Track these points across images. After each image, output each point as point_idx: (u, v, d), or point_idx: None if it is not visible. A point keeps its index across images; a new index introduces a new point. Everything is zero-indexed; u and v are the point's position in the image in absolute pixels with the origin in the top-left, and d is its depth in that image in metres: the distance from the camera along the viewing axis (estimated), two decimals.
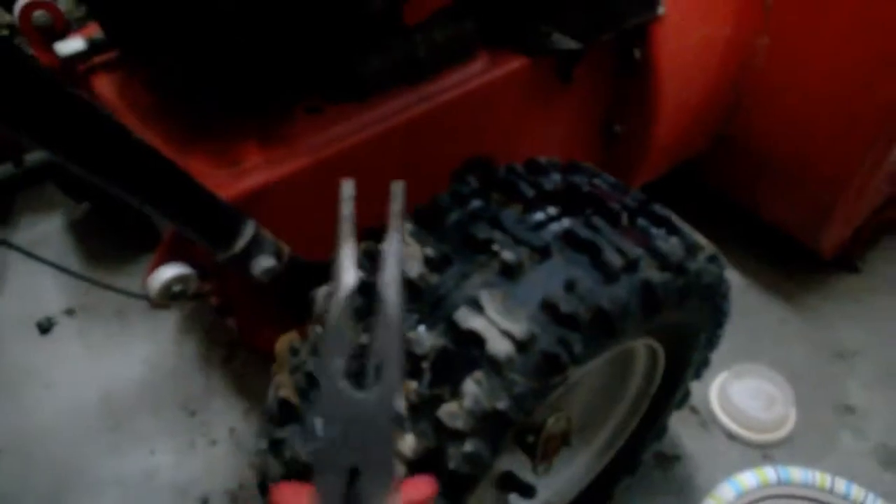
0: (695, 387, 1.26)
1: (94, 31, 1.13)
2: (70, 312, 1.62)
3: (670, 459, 1.38)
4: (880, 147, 1.32)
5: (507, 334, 0.73)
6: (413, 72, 1.06)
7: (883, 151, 1.33)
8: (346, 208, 0.34)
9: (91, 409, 1.44)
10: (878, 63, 1.27)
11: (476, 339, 0.74)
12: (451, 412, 0.72)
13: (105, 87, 1.06)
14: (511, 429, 0.76)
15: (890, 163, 1.39)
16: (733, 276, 1.68)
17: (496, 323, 0.74)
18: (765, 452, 1.42)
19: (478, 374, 0.73)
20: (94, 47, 1.07)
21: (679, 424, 1.44)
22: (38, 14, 1.08)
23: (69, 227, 1.79)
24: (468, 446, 0.73)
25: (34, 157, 0.99)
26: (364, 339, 0.80)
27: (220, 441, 1.41)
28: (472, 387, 0.72)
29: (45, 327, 1.58)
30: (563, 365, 0.74)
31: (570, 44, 1.13)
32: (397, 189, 0.35)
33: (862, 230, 1.64)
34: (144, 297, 1.01)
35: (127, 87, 1.06)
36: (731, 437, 1.44)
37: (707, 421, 1.46)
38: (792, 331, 1.62)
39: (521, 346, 0.73)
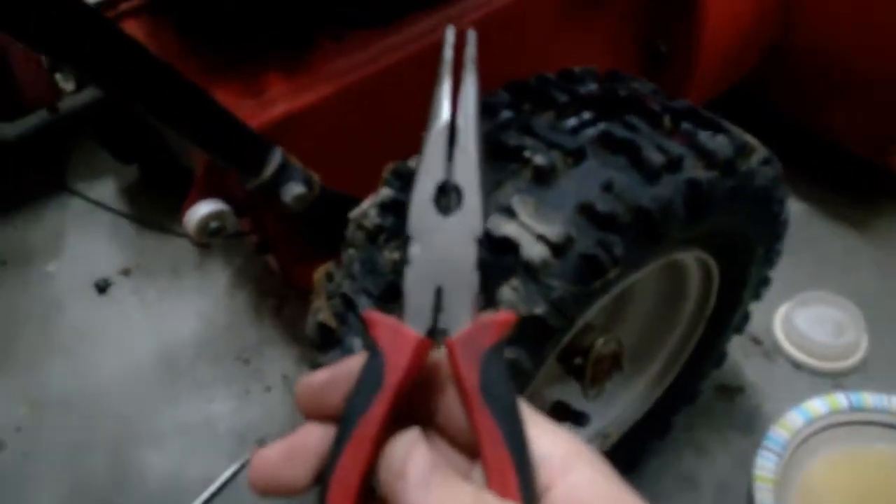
0: (758, 316, 1.20)
1: None
2: (126, 272, 1.66)
3: (734, 391, 1.33)
4: None
5: (541, 238, 0.70)
6: None
7: None
8: (447, 52, 0.35)
9: (150, 363, 1.48)
10: None
11: (510, 246, 0.71)
12: None
13: (133, 31, 1.06)
14: (552, 337, 0.73)
15: None
16: (796, 204, 1.61)
17: (529, 227, 0.71)
18: (835, 381, 1.35)
19: (514, 280, 0.70)
20: None
21: (741, 356, 1.38)
22: None
23: (121, 192, 1.83)
24: (507, 354, 0.70)
25: (67, 103, 0.99)
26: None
27: (275, 387, 1.42)
28: (508, 294, 0.70)
29: (102, 287, 1.62)
30: (603, 268, 0.70)
31: None
32: (472, 36, 0.35)
33: None
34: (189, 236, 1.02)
35: (154, 32, 1.06)
36: (798, 366, 1.37)
37: (771, 351, 1.39)
38: (860, 258, 1.53)
39: (557, 249, 0.70)
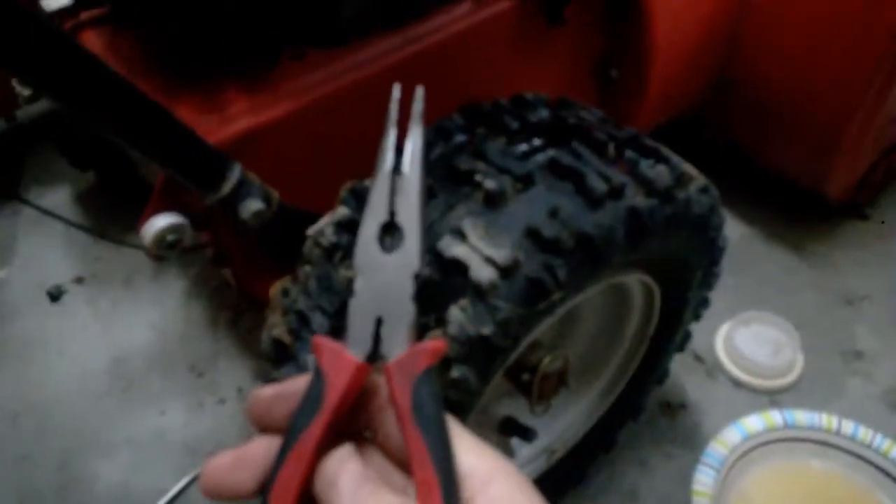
0: (700, 335, 1.26)
1: None
2: (79, 280, 1.64)
3: (676, 408, 1.38)
4: (882, 81, 1.29)
5: (489, 260, 0.73)
6: (396, 14, 1.06)
7: (886, 85, 1.30)
8: (393, 108, 0.39)
9: (102, 373, 1.47)
10: (875, 6, 1.24)
11: (459, 267, 0.74)
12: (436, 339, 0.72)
13: (92, 42, 1.07)
14: (499, 356, 0.76)
15: (891, 103, 1.36)
16: (737, 226, 1.68)
17: (479, 250, 0.74)
18: (772, 399, 1.41)
19: (462, 301, 0.73)
20: (80, 3, 1.08)
21: (684, 373, 1.43)
22: None
23: (76, 199, 1.81)
24: (455, 372, 0.73)
25: (25, 112, 1.00)
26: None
27: (228, 400, 1.43)
28: (456, 313, 0.72)
29: (55, 295, 1.60)
30: (547, 290, 0.74)
31: None
32: (419, 93, 0.40)
33: (869, 174, 1.61)
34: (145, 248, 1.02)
35: (114, 43, 1.07)
36: (738, 384, 1.43)
37: (713, 369, 1.45)
38: (798, 278, 1.61)
39: (505, 271, 0.73)
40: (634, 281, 0.99)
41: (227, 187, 0.87)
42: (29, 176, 1.85)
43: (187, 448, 1.35)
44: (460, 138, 0.87)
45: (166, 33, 1.01)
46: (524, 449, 1.13)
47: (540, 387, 0.98)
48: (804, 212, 1.70)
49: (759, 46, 1.43)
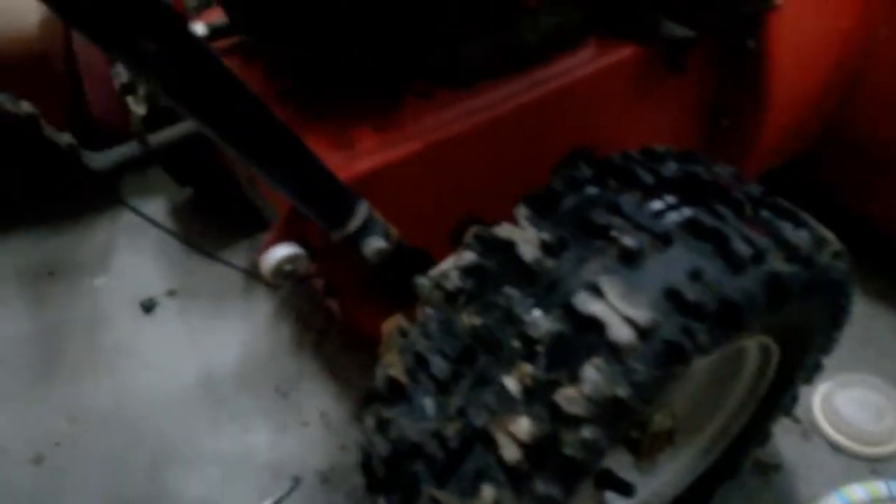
0: (799, 396, 1.20)
1: (213, 17, 1.17)
2: (171, 293, 1.68)
3: (771, 468, 1.33)
4: None
5: (629, 321, 0.71)
6: (521, 59, 1.06)
7: None
8: None
9: (191, 387, 1.50)
10: None
11: (595, 325, 0.73)
12: (569, 397, 0.71)
13: None
14: (630, 418, 0.74)
15: None
16: None
17: (617, 309, 0.72)
18: (872, 467, 1.34)
19: (597, 360, 0.71)
20: (214, 33, 1.12)
21: (780, 433, 1.37)
22: None
23: (171, 212, 1.86)
24: (585, 433, 0.71)
25: (157, 137, 1.03)
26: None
27: (312, 423, 1.43)
28: (591, 372, 0.71)
29: (147, 307, 1.64)
30: (686, 355, 0.72)
31: (683, 31, 1.10)
32: None
33: None
34: (252, 273, 1.04)
35: (245, 73, 1.10)
36: (836, 448, 1.37)
37: (809, 431, 1.39)
38: None
39: (644, 333, 0.71)
40: (754, 343, 0.96)
41: (354, 224, 0.88)
42: (125, 186, 1.91)
43: (271, 469, 1.36)
44: (592, 190, 0.86)
45: (298, 65, 1.04)
46: (617, 503, 1.10)
47: (649, 445, 0.96)
48: None
49: (877, 101, 1.38)
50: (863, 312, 1.58)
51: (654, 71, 1.16)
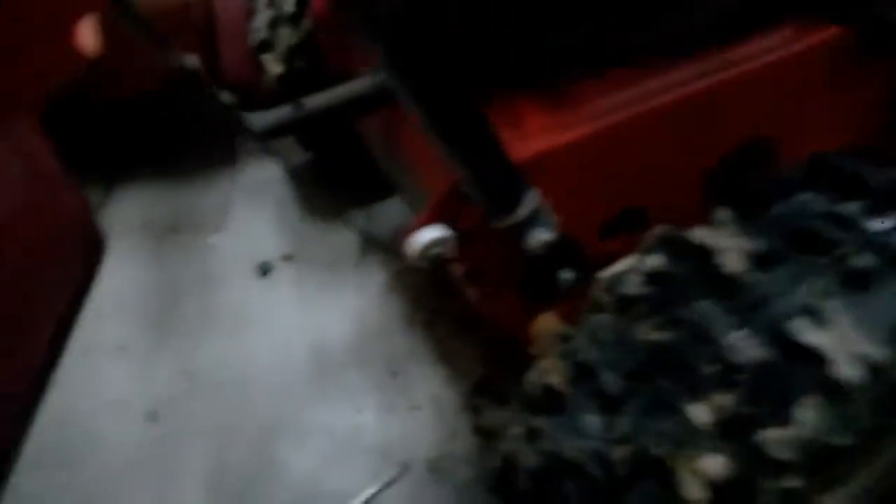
0: None
1: None
2: (288, 258, 1.66)
3: None
4: None
5: (859, 357, 0.60)
6: (708, 37, 0.94)
7: None
8: None
9: (302, 356, 1.47)
10: None
11: (814, 357, 0.62)
12: (776, 438, 0.61)
13: None
14: (843, 470, 0.63)
15: None
16: None
17: (845, 341, 0.61)
18: None
19: (813, 399, 0.61)
20: None
21: None
22: None
23: (289, 175, 1.83)
24: (789, 481, 0.61)
25: (312, 102, 0.98)
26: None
27: (422, 407, 1.38)
28: (806, 413, 0.60)
29: (264, 270, 1.62)
30: None
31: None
32: None
33: None
34: (377, 241, 0.97)
35: None
36: None
37: None
38: None
39: (877, 373, 0.60)
40: None
41: (523, 213, 0.80)
42: (244, 149, 1.90)
43: (379, 452, 1.31)
44: (806, 196, 0.74)
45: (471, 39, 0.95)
46: None
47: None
48: None
49: None
50: None
51: (854, 56, 1.01)
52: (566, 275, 0.93)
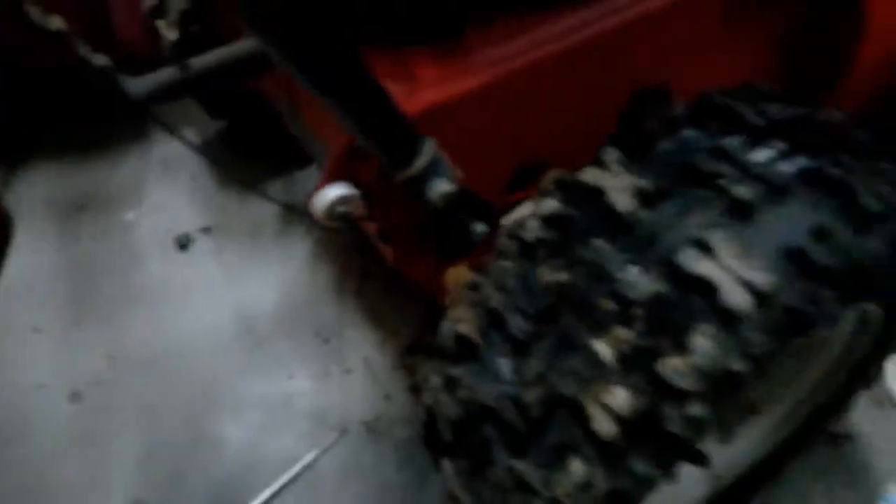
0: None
1: None
2: (206, 230, 1.62)
3: (842, 439, 1.25)
4: None
5: (746, 284, 0.63)
6: None
7: None
8: None
9: (229, 329, 1.44)
10: None
11: (705, 287, 0.64)
12: (675, 368, 0.63)
13: None
14: (740, 392, 0.66)
15: None
16: None
17: (732, 269, 0.63)
18: None
19: (707, 327, 0.63)
20: None
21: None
22: None
23: (203, 146, 1.77)
24: (693, 408, 0.63)
25: (197, 63, 0.94)
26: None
27: (355, 371, 1.38)
28: (701, 341, 0.63)
29: (183, 243, 1.58)
30: (810, 325, 0.63)
31: None
32: None
33: None
34: (293, 207, 0.95)
35: None
36: None
37: (883, 400, 1.31)
38: None
39: (763, 298, 0.62)
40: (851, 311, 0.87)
41: (421, 164, 0.79)
42: (154, 120, 1.83)
43: (314, 417, 1.31)
44: (690, 133, 0.76)
45: None
46: (689, 472, 1.03)
47: (731, 415, 0.88)
48: None
49: None
50: None
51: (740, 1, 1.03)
52: (479, 227, 0.93)
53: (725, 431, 0.92)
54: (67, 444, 1.28)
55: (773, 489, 1.17)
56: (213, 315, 1.46)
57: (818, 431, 1.11)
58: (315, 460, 1.24)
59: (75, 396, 1.34)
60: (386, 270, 1.51)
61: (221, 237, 1.61)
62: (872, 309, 0.87)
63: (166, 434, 1.28)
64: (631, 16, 0.94)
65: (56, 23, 0.78)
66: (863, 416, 1.28)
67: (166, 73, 0.95)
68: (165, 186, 1.72)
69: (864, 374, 1.01)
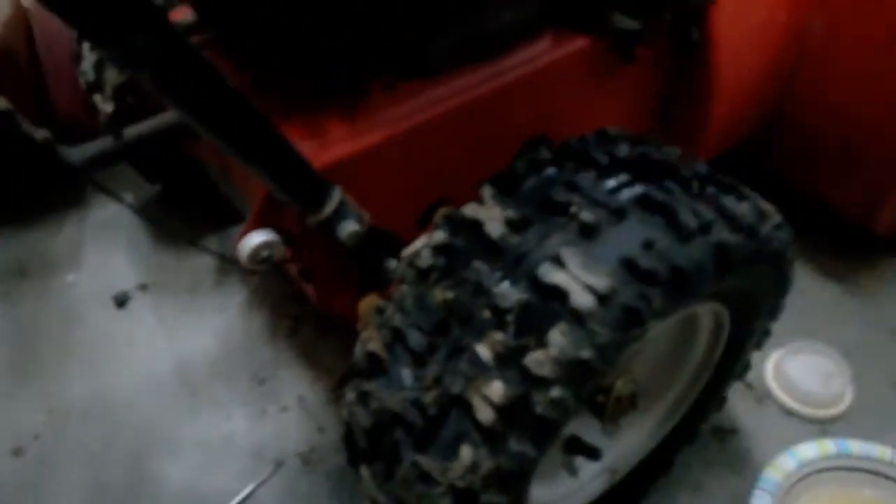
0: (751, 362, 1.29)
1: (181, 15, 1.20)
2: (143, 287, 1.70)
3: (727, 433, 1.41)
4: None
5: (589, 288, 0.78)
6: (481, 50, 1.11)
7: None
8: None
9: (167, 377, 1.52)
10: None
11: (559, 293, 0.79)
12: (537, 360, 0.77)
13: None
14: (594, 378, 0.80)
15: None
16: None
17: (578, 277, 0.78)
18: (822, 428, 1.44)
19: (562, 325, 0.77)
20: (183, 31, 1.14)
21: (735, 399, 1.46)
22: None
23: (140, 208, 1.87)
24: (554, 392, 0.77)
25: (130, 132, 1.06)
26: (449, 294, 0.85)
27: (290, 408, 1.47)
28: (557, 337, 0.77)
29: (121, 301, 1.66)
30: (643, 318, 0.78)
31: (631, 24, 1.17)
32: None
33: None
34: (228, 259, 1.07)
35: (219, 67, 1.13)
36: (788, 412, 1.46)
37: (763, 397, 1.48)
38: (846, 310, 1.63)
39: (603, 299, 0.77)
40: (707, 310, 1.03)
41: (329, 209, 0.93)
42: (93, 185, 1.92)
43: (252, 454, 1.40)
44: (551, 171, 0.92)
45: (267, 58, 1.07)
46: (586, 468, 1.17)
47: (613, 408, 1.02)
48: (852, 245, 1.73)
49: (815, 88, 1.47)
50: (810, 283, 1.68)
51: (607, 61, 1.22)
52: (392, 263, 1.07)
53: (611, 426, 1.06)
54: (10, 499, 1.33)
55: (670, 481, 1.31)
56: (152, 366, 1.54)
57: (701, 424, 1.27)
58: (252, 493, 1.32)
59: (17, 452, 1.39)
60: (318, 313, 1.63)
61: (159, 292, 1.70)
62: (721, 309, 1.04)
63: (108, 479, 1.35)
64: (513, 77, 1.12)
65: (1, 104, 0.90)
66: (745, 411, 1.45)
67: (102, 143, 1.06)
68: (104, 248, 1.81)
69: (731, 368, 1.18)
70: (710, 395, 1.20)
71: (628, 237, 0.82)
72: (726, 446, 1.39)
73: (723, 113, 1.40)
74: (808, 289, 1.67)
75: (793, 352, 1.52)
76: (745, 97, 1.44)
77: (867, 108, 1.42)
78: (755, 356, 1.35)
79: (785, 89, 1.52)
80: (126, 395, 1.49)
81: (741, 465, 1.37)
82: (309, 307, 1.66)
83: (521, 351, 0.78)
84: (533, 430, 0.78)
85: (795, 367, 1.49)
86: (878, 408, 1.45)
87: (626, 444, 1.19)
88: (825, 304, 1.65)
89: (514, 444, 0.78)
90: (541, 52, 1.14)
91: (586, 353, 0.77)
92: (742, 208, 0.89)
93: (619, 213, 0.84)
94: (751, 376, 1.49)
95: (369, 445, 0.90)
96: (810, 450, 1.29)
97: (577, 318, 0.77)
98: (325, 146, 0.99)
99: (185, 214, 1.83)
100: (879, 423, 1.42)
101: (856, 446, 1.28)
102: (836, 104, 1.46)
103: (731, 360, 1.16)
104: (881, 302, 1.65)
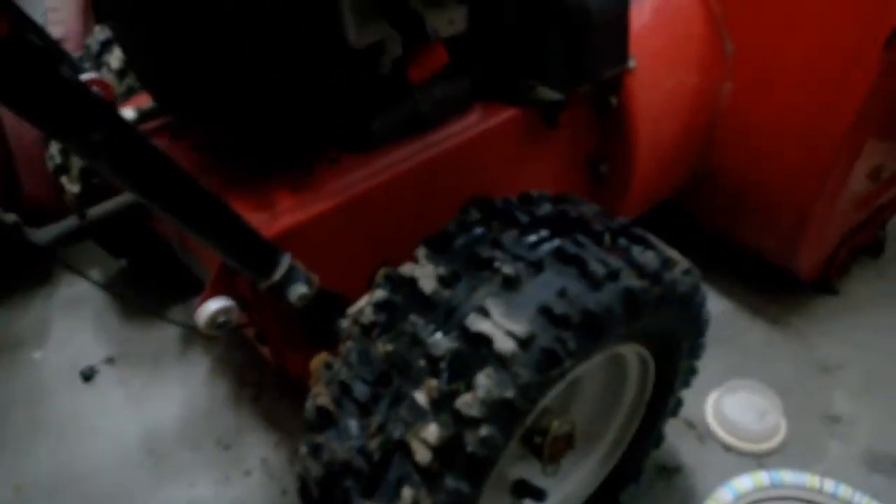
0: (690, 403, 1.38)
1: (142, 102, 1.31)
2: (110, 361, 1.75)
3: (671, 471, 1.49)
4: (836, 176, 1.48)
5: (510, 334, 0.87)
6: (417, 124, 1.23)
7: (839, 180, 1.48)
8: None
9: (133, 448, 1.56)
10: (825, 107, 1.44)
11: (484, 340, 0.88)
12: (466, 402, 0.85)
13: None
14: (519, 417, 0.88)
15: (848, 190, 1.54)
16: (722, 302, 1.83)
17: (501, 325, 0.88)
18: (759, 461, 1.52)
19: (488, 369, 0.86)
20: (143, 116, 1.25)
21: (678, 439, 1.54)
22: (94, 90, 1.26)
23: (106, 283, 1.93)
24: (483, 431, 0.85)
25: (94, 212, 1.15)
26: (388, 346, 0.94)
27: (254, 471, 1.52)
28: (483, 380, 0.85)
29: (87, 375, 1.70)
30: (560, 359, 0.87)
31: (553, 95, 1.30)
32: None
33: (836, 254, 1.78)
34: (190, 327, 1.15)
35: (174, 148, 1.23)
36: (727, 448, 1.54)
37: (704, 435, 1.57)
38: (778, 349, 1.75)
39: (523, 343, 0.86)
40: (631, 352, 1.12)
41: (279, 274, 1.01)
42: (60, 263, 1.98)
43: None
44: (479, 230, 1.03)
45: (219, 140, 1.18)
46: None
47: (551, 449, 1.10)
48: (781, 287, 1.86)
49: (729, 145, 1.62)
50: (745, 325, 1.80)
51: (534, 128, 1.36)
52: (343, 322, 1.15)
53: (551, 466, 1.13)
54: None
55: None
56: (118, 437, 1.57)
57: (642, 462, 1.34)
58: None
59: None
60: (280, 379, 1.69)
61: (125, 365, 1.75)
62: (643, 350, 1.13)
63: None
64: (447, 147, 1.23)
65: None
66: (688, 450, 1.53)
67: (68, 223, 1.15)
68: (71, 324, 1.86)
69: (663, 406, 1.26)
70: (647, 433, 1.29)
71: (545, 287, 0.92)
72: (671, 484, 1.46)
73: (645, 172, 1.54)
74: (742, 330, 1.78)
75: (730, 390, 1.62)
76: (666, 156, 1.58)
77: (775, 163, 1.57)
78: (696, 396, 1.45)
79: (704, 148, 1.67)
80: (93, 467, 1.52)
81: (686, 501, 1.44)
82: (271, 374, 1.72)
83: (453, 395, 0.87)
84: (467, 468, 0.86)
85: (732, 406, 1.59)
86: (810, 440, 1.54)
87: (573, 484, 1.26)
88: (759, 344, 1.76)
89: (451, 482, 0.85)
90: (472, 124, 1.27)
91: (510, 393, 0.85)
92: (648, 257, 0.99)
93: (537, 266, 0.94)
94: (692, 415, 1.58)
95: (321, 496, 0.96)
96: (746, 482, 1.37)
97: (501, 361, 0.86)
98: (275, 217, 1.09)
99: (150, 287, 1.90)
100: (811, 455, 1.51)
101: (788, 476, 1.37)
102: (748, 160, 1.61)
103: (662, 399, 1.24)
104: (812, 341, 1.77)
